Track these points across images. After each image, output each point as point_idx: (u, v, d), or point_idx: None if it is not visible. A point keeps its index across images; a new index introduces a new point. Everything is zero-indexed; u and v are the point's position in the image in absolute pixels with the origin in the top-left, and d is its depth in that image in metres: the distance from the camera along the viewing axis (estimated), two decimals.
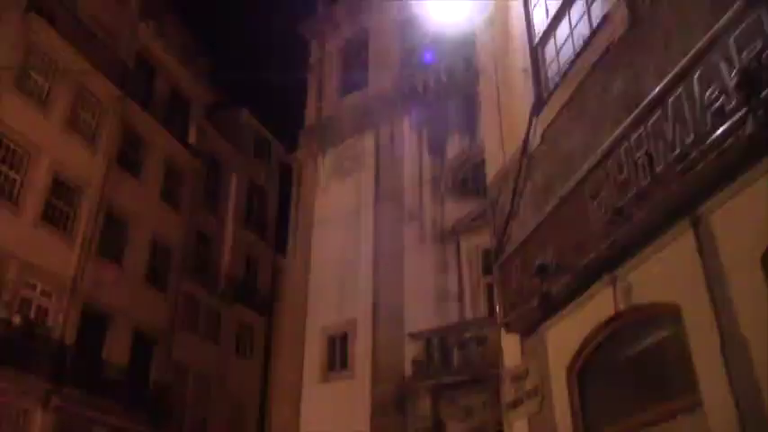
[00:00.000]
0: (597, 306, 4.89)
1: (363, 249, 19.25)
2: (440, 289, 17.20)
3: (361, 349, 17.88)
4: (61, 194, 20.47)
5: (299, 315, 19.89)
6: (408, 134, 20.09)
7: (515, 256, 6.05)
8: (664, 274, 4.21)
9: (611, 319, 4.81)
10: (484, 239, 17.38)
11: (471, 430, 14.51)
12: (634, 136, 4.30)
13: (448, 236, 17.77)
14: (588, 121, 5.26)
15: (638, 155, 4.23)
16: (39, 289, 19.15)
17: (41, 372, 18.13)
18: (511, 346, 6.26)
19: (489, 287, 16.62)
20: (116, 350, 21.31)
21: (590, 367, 5.23)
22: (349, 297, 18.94)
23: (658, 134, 4.05)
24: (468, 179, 18.06)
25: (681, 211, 3.97)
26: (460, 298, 16.76)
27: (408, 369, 16.12)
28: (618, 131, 4.49)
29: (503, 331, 6.41)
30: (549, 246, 5.24)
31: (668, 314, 4.19)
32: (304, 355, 19.31)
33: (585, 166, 4.88)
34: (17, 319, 17.85)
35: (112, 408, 20.21)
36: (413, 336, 16.19)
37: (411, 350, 16.19)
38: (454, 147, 18.85)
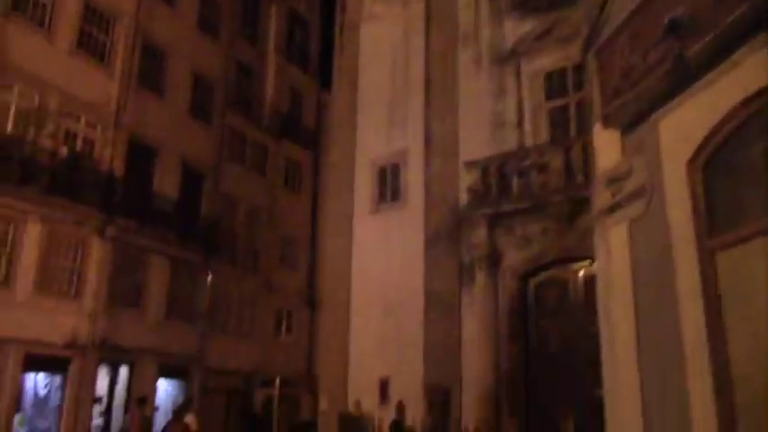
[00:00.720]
0: (741, 76, 3.84)
1: (414, 76, 18.00)
2: (497, 115, 16.08)
3: (413, 179, 17.25)
4: (94, 22, 19.44)
5: (347, 146, 19.20)
6: None
7: (621, 33, 4.92)
8: None
9: (757, 95, 3.78)
10: (547, 61, 15.95)
11: (530, 258, 14.04)
12: None
13: (507, 58, 16.32)
14: None
15: None
16: (83, 120, 18.74)
17: (94, 203, 18.19)
18: (608, 145, 5.31)
19: (552, 112, 15.52)
20: (166, 183, 21.24)
21: (716, 161, 4.29)
22: (399, 127, 18.04)
23: None
24: None
25: None
26: (519, 124, 15.67)
27: (463, 199, 15.48)
28: None
29: (597, 129, 5.43)
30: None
31: None
32: (354, 188, 18.87)
33: None
34: (64, 151, 17.63)
35: (166, 238, 20.51)
36: (469, 164, 15.35)
37: (466, 179, 15.43)
38: None
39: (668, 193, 4.47)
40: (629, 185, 4.93)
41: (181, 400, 20.57)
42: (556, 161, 13.87)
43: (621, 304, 4.84)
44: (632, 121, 4.91)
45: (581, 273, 13.62)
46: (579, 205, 13.28)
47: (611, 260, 5.09)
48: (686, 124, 4.35)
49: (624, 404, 4.66)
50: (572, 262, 13.73)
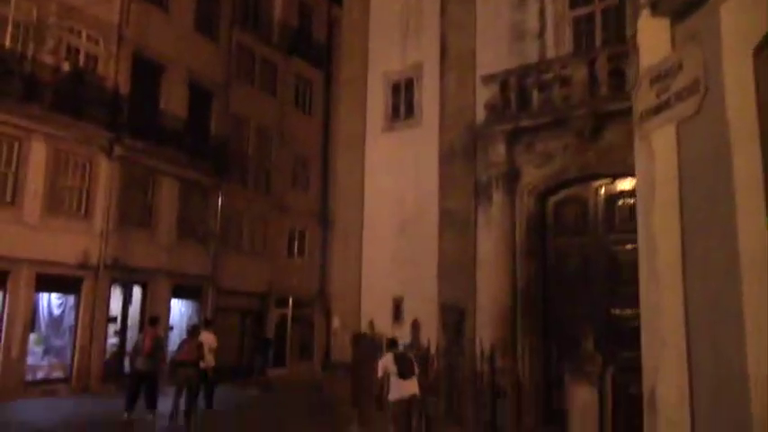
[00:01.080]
0: None
1: None
2: (517, 26, 15.19)
3: (428, 95, 16.56)
4: None
5: (359, 61, 18.40)
6: None
7: None
8: None
9: None
10: None
11: (549, 176, 13.53)
12: None
13: None
14: None
15: None
16: (84, 35, 18.02)
17: (99, 121, 17.72)
18: (655, 37, 4.71)
19: (576, 21, 14.62)
20: (173, 101, 20.64)
21: None
22: (413, 40, 17.19)
23: None
24: None
25: None
26: (541, 35, 14.80)
27: (480, 114, 14.84)
28: None
29: (643, 19, 4.82)
30: None
31: None
32: (366, 105, 18.22)
33: None
34: (66, 66, 17.02)
35: (176, 158, 20.10)
36: (486, 78, 14.62)
37: (484, 94, 14.73)
38: None
39: (728, 88, 3.93)
40: (679, 82, 4.38)
41: (195, 320, 20.77)
42: (579, 73, 13.13)
43: (665, 214, 4.39)
44: (686, 6, 4.30)
45: (602, 190, 13.16)
46: (603, 120, 12.69)
47: (653, 166, 4.60)
48: (755, 6, 3.77)
49: (665, 321, 4.29)
50: (593, 180, 13.24)
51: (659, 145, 4.56)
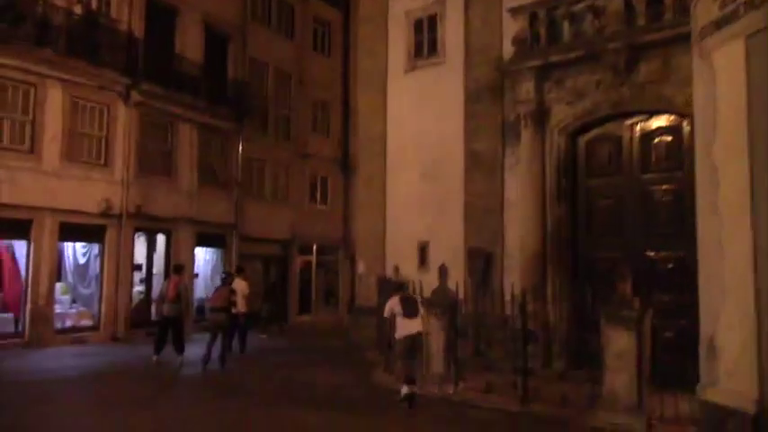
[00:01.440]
0: None
1: None
2: None
3: (452, 31, 15.86)
4: None
5: None
6: None
7: None
8: None
9: None
10: None
11: (581, 113, 12.92)
12: None
13: None
14: None
15: None
16: None
17: (115, 66, 17.29)
18: None
19: None
20: (188, 45, 20.09)
21: None
22: None
23: None
24: None
25: None
26: None
27: (508, 50, 14.16)
28: None
29: None
30: None
31: None
32: (387, 44, 17.57)
33: None
34: (78, 9, 16.52)
35: (194, 104, 19.69)
36: (514, 10, 13.88)
37: (511, 28, 14.02)
38: None
39: None
40: None
41: (220, 267, 20.79)
42: (614, 3, 12.38)
43: (729, 143, 3.91)
44: None
45: (637, 128, 12.55)
46: (639, 52, 12.02)
47: (715, 90, 4.09)
48: None
49: (728, 262, 3.85)
50: (627, 117, 12.63)
51: (723, 64, 4.04)
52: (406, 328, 9.79)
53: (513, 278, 12.72)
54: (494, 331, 12.66)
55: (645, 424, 7.94)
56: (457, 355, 10.79)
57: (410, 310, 9.85)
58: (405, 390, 9.48)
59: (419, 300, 10.39)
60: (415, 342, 9.90)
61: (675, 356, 10.09)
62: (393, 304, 9.95)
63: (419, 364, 10.40)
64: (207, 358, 12.77)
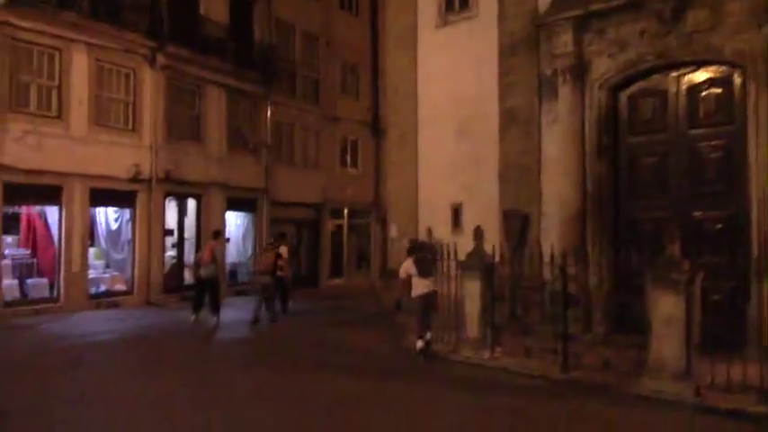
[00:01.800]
0: None
1: None
2: None
3: None
4: None
5: None
6: None
7: None
8: None
9: None
10: None
11: (623, 66, 12.21)
12: None
13: None
14: None
15: None
16: None
17: (140, 29, 17.01)
18: None
19: None
20: (213, 6, 19.67)
21: None
22: None
23: None
24: None
25: None
26: None
27: (544, 1, 13.43)
28: None
29: None
30: None
31: None
32: None
33: None
34: None
35: (221, 67, 19.37)
36: None
37: None
38: None
39: None
40: None
41: (251, 231, 20.76)
42: None
43: None
44: None
45: (684, 80, 11.80)
46: None
47: None
48: None
49: None
50: (673, 69, 11.87)
51: None
52: (421, 287, 10.23)
53: (550, 240, 12.20)
54: (531, 295, 12.26)
55: (693, 392, 7.53)
56: (494, 320, 10.43)
57: (425, 270, 10.28)
58: (420, 344, 10.11)
59: (437, 260, 10.72)
60: (428, 300, 10.31)
61: (725, 320, 9.57)
62: (408, 266, 10.39)
63: (434, 320, 10.66)
64: (255, 319, 13.60)
